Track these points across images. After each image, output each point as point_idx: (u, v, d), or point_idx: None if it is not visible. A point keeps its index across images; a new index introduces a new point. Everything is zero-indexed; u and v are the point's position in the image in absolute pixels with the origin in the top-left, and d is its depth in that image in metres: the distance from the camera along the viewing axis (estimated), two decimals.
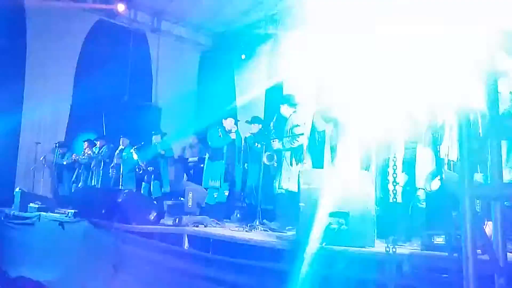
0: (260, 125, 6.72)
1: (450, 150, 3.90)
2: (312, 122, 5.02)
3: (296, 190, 3.79)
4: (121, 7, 9.60)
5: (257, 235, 4.32)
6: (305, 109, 4.95)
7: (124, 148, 8.75)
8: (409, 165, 4.04)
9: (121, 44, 10.29)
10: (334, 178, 3.55)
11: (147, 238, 4.98)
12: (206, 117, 10.74)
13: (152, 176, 8.11)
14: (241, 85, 11.34)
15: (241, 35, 11.44)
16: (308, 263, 3.21)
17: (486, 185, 2.41)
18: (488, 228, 2.11)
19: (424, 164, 3.92)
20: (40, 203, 7.37)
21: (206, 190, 6.58)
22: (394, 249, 2.05)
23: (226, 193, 6.59)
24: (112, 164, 8.65)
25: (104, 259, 5.33)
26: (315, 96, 5.23)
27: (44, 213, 7.02)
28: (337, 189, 3.35)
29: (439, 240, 2.91)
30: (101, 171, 8.80)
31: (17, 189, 8.02)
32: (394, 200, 2.16)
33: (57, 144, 9.29)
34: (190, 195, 5.42)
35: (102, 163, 8.83)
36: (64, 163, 9.37)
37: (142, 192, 8.08)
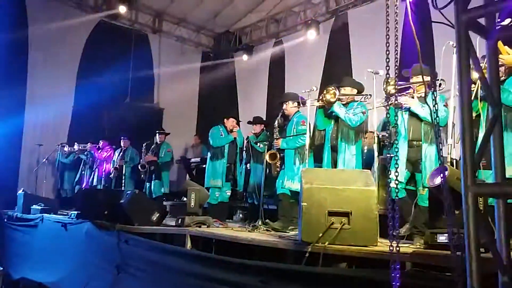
0: (262, 125, 6.72)
1: (453, 147, 3.88)
2: (315, 120, 5.01)
3: (298, 189, 3.78)
4: (122, 9, 9.65)
5: (259, 235, 4.31)
6: (307, 108, 4.93)
7: (126, 149, 8.80)
8: (412, 163, 4.02)
9: (123, 46, 10.33)
10: (336, 177, 3.54)
11: (149, 239, 4.98)
12: (208, 117, 10.79)
13: (153, 176, 8.11)
14: (242, 85, 11.36)
15: (242, 35, 11.46)
16: (310, 263, 3.20)
17: (489, 182, 2.40)
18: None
19: (427, 161, 3.90)
20: (43, 205, 7.39)
21: (208, 190, 6.56)
22: (397, 248, 2.04)
23: (228, 193, 6.57)
24: (114, 165, 8.68)
25: (107, 260, 5.34)
26: (318, 94, 5.22)
27: (47, 215, 7.04)
28: (340, 188, 3.34)
29: (442, 238, 2.91)
30: (103, 172, 8.83)
31: (20, 191, 8.04)
32: (397, 198, 2.14)
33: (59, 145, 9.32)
34: (192, 195, 5.41)
35: (104, 164, 8.86)
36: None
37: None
